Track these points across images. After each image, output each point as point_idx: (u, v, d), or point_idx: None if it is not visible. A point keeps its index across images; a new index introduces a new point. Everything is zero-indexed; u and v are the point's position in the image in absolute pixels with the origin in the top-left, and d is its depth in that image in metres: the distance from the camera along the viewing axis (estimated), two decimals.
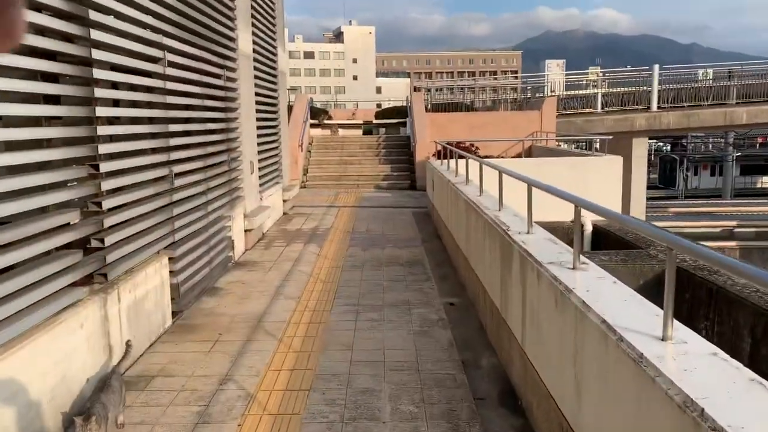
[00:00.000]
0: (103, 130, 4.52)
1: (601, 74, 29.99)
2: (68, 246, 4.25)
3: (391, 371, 4.81)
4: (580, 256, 3.68)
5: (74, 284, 4.26)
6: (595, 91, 28.16)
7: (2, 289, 3.53)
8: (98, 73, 4.44)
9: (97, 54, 4.44)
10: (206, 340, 5.57)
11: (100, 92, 4.47)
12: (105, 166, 4.57)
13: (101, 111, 4.50)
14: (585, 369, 2.95)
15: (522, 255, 4.24)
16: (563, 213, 5.02)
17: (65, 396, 3.94)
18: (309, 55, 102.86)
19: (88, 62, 4.43)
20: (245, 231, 9.13)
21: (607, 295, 3.08)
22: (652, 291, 8.50)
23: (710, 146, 53.05)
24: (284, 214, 12.79)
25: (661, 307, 2.51)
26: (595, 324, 2.77)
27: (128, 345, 4.31)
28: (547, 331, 3.65)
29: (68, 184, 4.31)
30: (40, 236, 3.87)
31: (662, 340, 2.44)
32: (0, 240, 3.58)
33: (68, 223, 4.20)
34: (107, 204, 4.59)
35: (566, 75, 38.02)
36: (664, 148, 54.85)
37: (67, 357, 3.97)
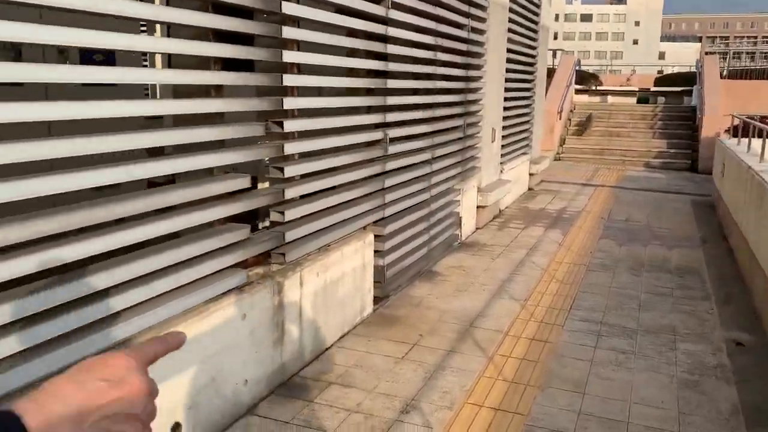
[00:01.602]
0: (290, 80, 3.67)
1: None
2: (238, 218, 3.54)
3: None
4: None
5: (243, 264, 3.57)
6: None
7: (155, 262, 2.92)
8: (287, 7, 3.58)
9: None
10: (403, 341, 4.60)
11: (288, 31, 3.61)
12: (290, 125, 3.75)
13: (290, 56, 3.65)
14: None
15: None
16: None
17: (213, 400, 3.27)
18: (586, 17, 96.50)
19: None
20: (477, 207, 7.99)
21: None
22: None
23: None
24: (529, 189, 11.35)
25: None
26: None
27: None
28: None
29: (243, 145, 3.57)
30: (198, 205, 3.18)
31: None
32: (156, 203, 2.97)
33: (239, 191, 3.47)
34: (290, 171, 3.77)
35: None
36: None
37: (219, 353, 3.28)
